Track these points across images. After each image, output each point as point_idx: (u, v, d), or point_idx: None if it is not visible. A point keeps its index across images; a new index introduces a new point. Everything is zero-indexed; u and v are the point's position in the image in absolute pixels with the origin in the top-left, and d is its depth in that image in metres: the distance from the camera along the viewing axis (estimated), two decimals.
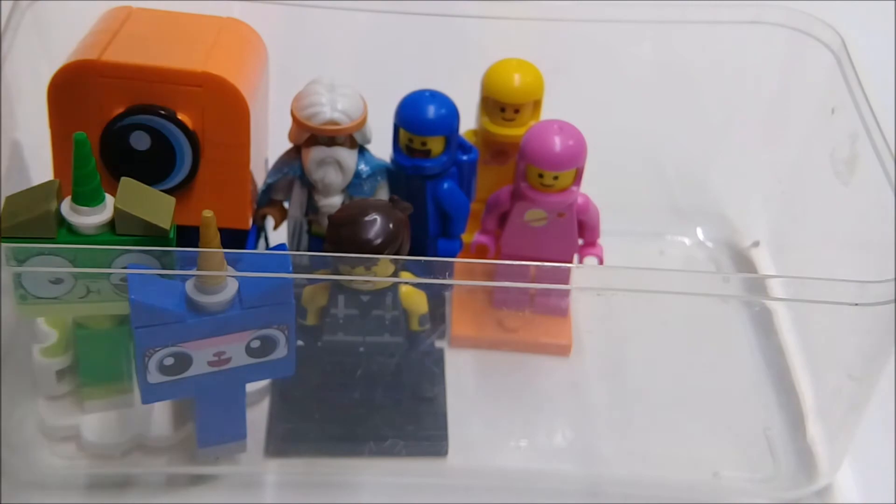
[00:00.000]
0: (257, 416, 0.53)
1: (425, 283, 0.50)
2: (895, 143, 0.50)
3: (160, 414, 0.51)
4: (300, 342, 0.47)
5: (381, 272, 0.47)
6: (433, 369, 0.55)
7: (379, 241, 0.47)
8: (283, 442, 0.52)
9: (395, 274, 0.47)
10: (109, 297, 0.45)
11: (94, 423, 0.51)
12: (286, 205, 0.56)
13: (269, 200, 0.55)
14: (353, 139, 0.54)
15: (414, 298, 0.50)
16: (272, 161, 0.56)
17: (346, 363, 0.51)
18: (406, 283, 0.49)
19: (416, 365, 0.52)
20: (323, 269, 0.48)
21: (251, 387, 0.49)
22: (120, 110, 0.49)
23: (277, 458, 0.52)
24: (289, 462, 0.52)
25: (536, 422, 0.55)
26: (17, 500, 0.50)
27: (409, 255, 0.47)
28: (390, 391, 0.52)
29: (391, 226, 0.47)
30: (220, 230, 0.43)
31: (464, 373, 0.56)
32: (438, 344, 0.57)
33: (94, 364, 0.50)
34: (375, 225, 0.47)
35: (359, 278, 0.47)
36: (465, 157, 0.56)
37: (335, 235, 0.47)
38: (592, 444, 0.54)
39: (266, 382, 0.53)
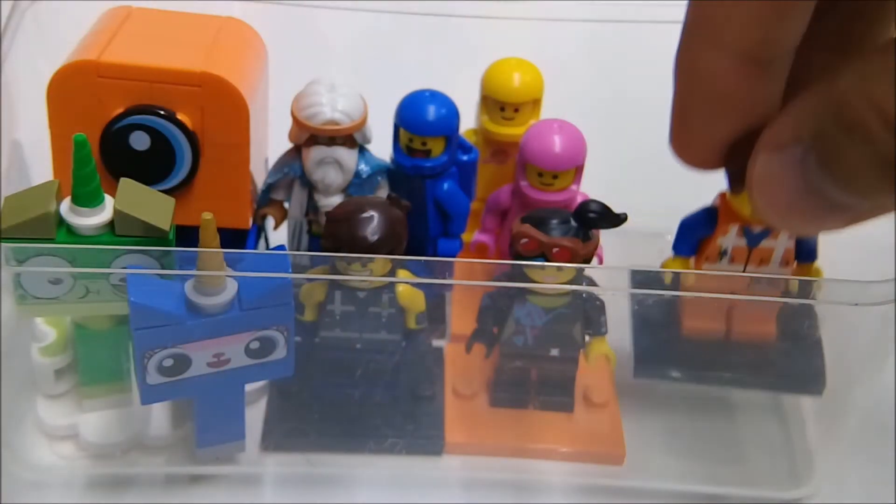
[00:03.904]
0: (255, 415, 0.53)
1: (424, 283, 0.49)
2: None
3: (159, 413, 0.51)
4: (297, 338, 0.48)
5: (377, 270, 0.47)
6: (432, 368, 0.55)
7: (375, 238, 0.47)
8: (279, 437, 0.53)
9: (391, 272, 0.47)
10: (108, 298, 0.45)
11: (93, 422, 0.51)
12: (286, 205, 0.56)
13: (269, 200, 0.55)
14: (353, 139, 0.53)
15: (411, 296, 0.50)
16: (272, 161, 0.56)
17: (343, 360, 0.51)
18: (403, 282, 0.49)
19: (414, 363, 0.52)
20: (321, 265, 0.48)
21: (249, 386, 0.49)
22: (119, 110, 0.49)
23: (274, 452, 0.52)
24: (286, 460, 0.52)
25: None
26: (17, 499, 0.50)
27: (409, 254, 0.47)
28: (388, 389, 0.52)
29: (388, 223, 0.47)
30: (220, 230, 0.43)
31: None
32: (438, 343, 0.57)
33: (94, 363, 0.50)
34: (372, 222, 0.47)
35: (355, 278, 0.47)
36: (465, 157, 0.56)
37: (332, 232, 0.47)
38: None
39: (264, 381, 0.53)
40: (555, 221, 0.47)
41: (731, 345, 0.53)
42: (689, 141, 0.39)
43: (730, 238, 0.49)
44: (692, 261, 0.51)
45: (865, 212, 0.35)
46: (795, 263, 0.51)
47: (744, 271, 0.50)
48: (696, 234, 0.50)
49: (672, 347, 0.54)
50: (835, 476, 0.53)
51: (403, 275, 0.47)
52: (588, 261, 0.48)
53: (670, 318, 0.54)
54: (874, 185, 0.32)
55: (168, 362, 0.44)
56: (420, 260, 0.47)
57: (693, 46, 0.37)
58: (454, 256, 0.57)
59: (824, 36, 0.39)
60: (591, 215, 0.47)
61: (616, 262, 0.55)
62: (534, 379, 0.53)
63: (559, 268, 0.46)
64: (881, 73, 0.32)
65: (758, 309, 0.51)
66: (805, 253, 0.50)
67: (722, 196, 0.50)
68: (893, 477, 0.53)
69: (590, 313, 0.50)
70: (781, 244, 0.49)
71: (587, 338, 0.51)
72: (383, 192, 0.55)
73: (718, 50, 0.37)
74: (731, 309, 0.52)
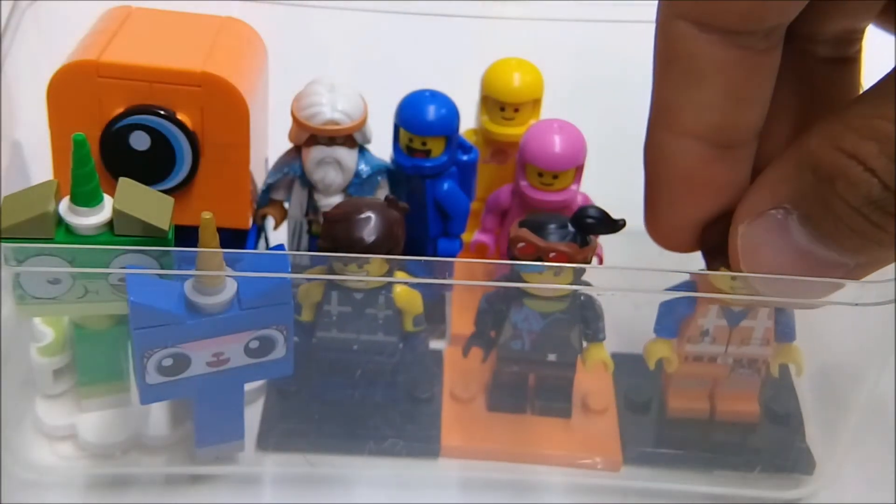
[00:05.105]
0: (253, 415, 0.53)
1: (422, 283, 0.49)
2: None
3: (158, 413, 0.51)
4: (295, 338, 0.47)
5: (373, 271, 0.47)
6: (430, 370, 0.55)
7: (372, 239, 0.47)
8: (276, 437, 0.52)
9: (388, 273, 0.47)
10: (107, 297, 0.45)
11: (92, 422, 0.51)
12: (286, 205, 0.56)
13: (269, 200, 0.55)
14: (353, 139, 0.54)
15: (408, 298, 0.50)
16: (272, 161, 0.56)
17: (340, 361, 0.51)
18: (400, 282, 0.49)
19: (412, 365, 0.52)
20: (318, 266, 0.48)
21: (247, 386, 0.49)
22: (119, 110, 0.49)
23: (271, 452, 0.52)
24: (285, 460, 0.52)
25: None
26: (17, 499, 0.50)
27: (409, 254, 0.47)
28: (385, 391, 0.52)
29: (385, 224, 0.47)
30: (220, 230, 0.43)
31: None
32: (438, 344, 0.57)
33: (92, 363, 0.50)
34: (370, 223, 0.47)
35: (352, 278, 0.47)
36: (465, 157, 0.56)
37: (329, 233, 0.47)
38: None
39: (261, 381, 0.53)
40: (552, 226, 0.47)
41: (716, 424, 0.53)
42: (661, 224, 0.40)
43: (710, 318, 0.49)
44: (674, 342, 0.51)
45: (853, 269, 0.36)
46: (775, 344, 0.51)
47: (725, 352, 0.51)
48: (676, 314, 0.50)
49: (659, 430, 0.54)
50: (835, 476, 0.52)
51: (401, 276, 0.47)
52: None
53: (655, 400, 0.54)
54: (861, 230, 0.33)
55: (167, 362, 0.44)
56: (420, 260, 0.47)
57: (657, 133, 0.38)
58: (454, 256, 0.57)
59: (786, 117, 0.40)
60: (589, 220, 0.47)
61: (616, 263, 0.55)
62: (532, 384, 0.53)
63: (556, 272, 0.46)
64: (845, 128, 0.33)
65: (741, 387, 0.52)
66: (784, 333, 0.50)
67: None
68: (893, 477, 0.53)
69: (587, 319, 0.50)
70: (761, 323, 0.50)
71: (585, 343, 0.51)
72: (383, 192, 0.55)
73: (681, 136, 0.38)
74: (714, 388, 0.53)
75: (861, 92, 0.40)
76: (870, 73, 0.42)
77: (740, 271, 0.38)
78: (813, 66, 0.40)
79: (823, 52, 0.39)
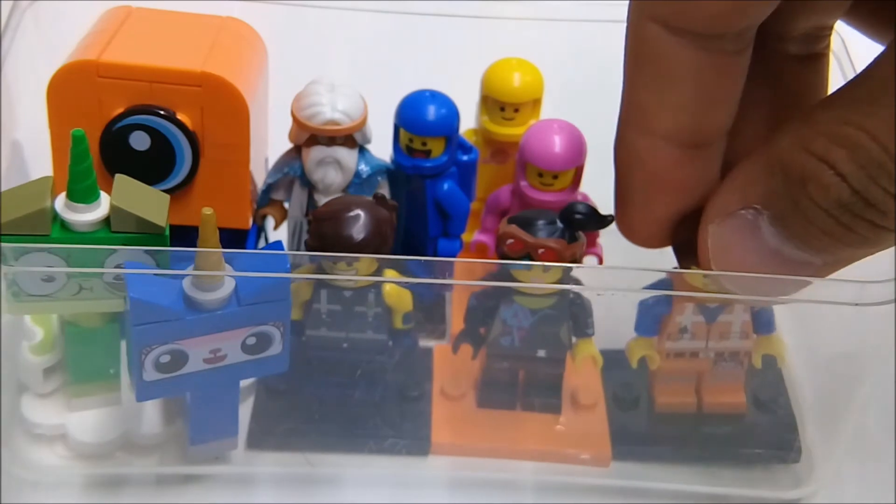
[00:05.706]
0: (243, 413, 0.53)
1: (422, 283, 0.49)
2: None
3: (149, 411, 0.51)
4: None
5: (363, 269, 0.47)
6: (420, 367, 0.55)
7: (361, 237, 0.46)
8: (266, 436, 0.52)
9: (378, 271, 0.47)
10: (101, 295, 0.45)
11: (82, 421, 0.51)
12: (286, 205, 0.56)
13: (269, 200, 0.55)
14: (353, 139, 0.54)
15: (397, 296, 0.50)
16: (272, 161, 0.56)
17: (329, 359, 0.51)
18: (390, 281, 0.49)
19: (402, 363, 0.52)
20: (307, 264, 0.48)
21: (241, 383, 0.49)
22: (120, 110, 0.49)
23: (260, 450, 0.52)
24: (277, 459, 0.52)
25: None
26: (16, 499, 0.50)
27: (409, 254, 0.47)
28: (374, 389, 0.52)
29: (374, 223, 0.47)
30: (221, 230, 0.43)
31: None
32: (435, 343, 0.57)
33: (84, 361, 0.50)
34: (358, 221, 0.47)
35: (346, 277, 0.47)
36: (465, 157, 0.56)
37: (317, 230, 0.47)
38: None
39: (252, 379, 0.53)
40: (541, 222, 0.47)
41: (704, 418, 0.53)
42: (632, 222, 0.41)
43: (687, 315, 0.50)
44: (655, 340, 0.51)
45: (821, 268, 0.36)
46: (755, 336, 0.51)
47: (706, 347, 0.51)
48: (655, 312, 0.50)
49: (648, 426, 0.54)
50: (835, 476, 0.52)
51: (390, 274, 0.47)
52: (575, 262, 0.48)
53: (643, 396, 0.54)
54: (830, 231, 0.34)
55: (165, 358, 0.44)
56: (420, 260, 0.47)
57: (628, 133, 0.39)
58: (454, 256, 0.57)
59: (756, 114, 0.40)
60: (577, 217, 0.47)
61: (615, 263, 0.55)
62: (521, 380, 0.53)
63: (545, 268, 0.46)
64: (816, 132, 0.34)
65: (725, 379, 0.52)
66: (763, 325, 0.51)
67: None
68: (893, 477, 0.53)
69: (577, 314, 0.50)
70: (738, 318, 0.50)
71: (574, 339, 0.51)
72: (384, 193, 0.55)
73: (651, 136, 0.38)
74: (700, 382, 0.53)
75: (830, 91, 0.41)
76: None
77: (708, 268, 0.39)
78: (782, 63, 0.40)
79: (792, 50, 0.40)
